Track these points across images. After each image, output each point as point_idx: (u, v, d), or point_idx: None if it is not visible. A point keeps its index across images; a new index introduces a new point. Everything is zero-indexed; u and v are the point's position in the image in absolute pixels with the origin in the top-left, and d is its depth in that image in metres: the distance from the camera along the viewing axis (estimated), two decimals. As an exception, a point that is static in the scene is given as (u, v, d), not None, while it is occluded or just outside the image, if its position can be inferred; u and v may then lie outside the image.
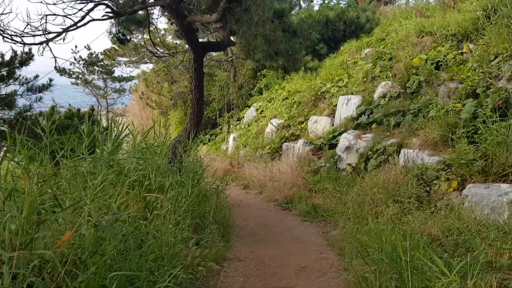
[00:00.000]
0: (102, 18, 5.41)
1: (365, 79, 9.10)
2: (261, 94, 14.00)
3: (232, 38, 6.89)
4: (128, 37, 7.51)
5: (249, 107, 13.74)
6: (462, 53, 7.89)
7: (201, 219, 4.35)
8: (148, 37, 11.35)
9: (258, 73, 14.71)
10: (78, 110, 8.23)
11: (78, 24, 5.24)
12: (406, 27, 9.83)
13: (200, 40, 6.37)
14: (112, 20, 7.23)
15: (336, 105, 9.09)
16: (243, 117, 13.81)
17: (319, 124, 9.21)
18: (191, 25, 5.63)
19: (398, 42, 9.28)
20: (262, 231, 5.50)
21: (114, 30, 7.38)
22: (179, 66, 14.73)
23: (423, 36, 8.98)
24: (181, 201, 3.82)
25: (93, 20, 5.33)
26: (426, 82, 7.60)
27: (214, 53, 17.41)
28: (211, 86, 15.81)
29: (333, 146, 8.26)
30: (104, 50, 15.74)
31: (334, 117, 9.05)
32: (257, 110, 12.80)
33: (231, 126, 14.44)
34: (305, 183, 7.37)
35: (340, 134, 8.24)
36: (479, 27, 7.82)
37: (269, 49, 5.03)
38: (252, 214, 6.49)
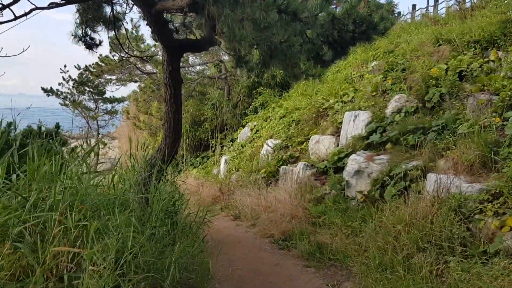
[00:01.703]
0: (48, 6, 4.24)
1: (374, 93, 7.93)
2: (257, 113, 12.85)
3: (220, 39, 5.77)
4: (98, 41, 6.34)
5: (244, 127, 12.55)
6: (488, 61, 6.76)
7: (162, 274, 3.05)
8: (132, 51, 10.17)
9: (254, 91, 13.60)
10: (39, 127, 7.00)
11: (15, 12, 4.06)
12: (419, 37, 8.74)
13: (176, 38, 5.19)
14: (77, 20, 6.11)
15: (341, 123, 7.89)
16: (237, 138, 12.61)
17: (321, 145, 7.98)
18: (162, 15, 4.46)
19: (411, 51, 8.17)
20: (252, 283, 4.18)
21: (80, 32, 6.25)
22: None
23: (440, 45, 7.88)
24: (129, 251, 2.54)
25: (36, 8, 4.16)
26: (449, 95, 6.43)
27: (208, 72, 16.37)
28: (203, 104, 14.68)
29: (339, 169, 7.01)
30: (86, 66, 14.62)
31: (339, 136, 7.83)
32: (251, 130, 11.60)
33: (224, 147, 13.21)
34: (306, 215, 6.09)
35: (347, 155, 7.00)
36: (508, 32, 6.72)
37: (261, 40, 3.84)
38: (241, 255, 5.17)
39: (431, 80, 6.86)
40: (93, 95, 22.43)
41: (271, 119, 10.93)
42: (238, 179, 9.38)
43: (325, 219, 5.82)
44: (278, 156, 8.68)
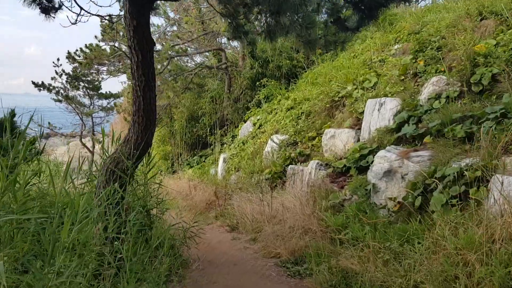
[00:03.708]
0: None
1: (403, 77, 6.54)
2: (260, 107, 11.45)
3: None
4: (57, 4, 4.97)
5: (245, 121, 11.15)
6: (551, 34, 5.38)
7: None
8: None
9: (257, 83, 12.20)
10: (-13, 115, 5.69)
11: None
12: (451, 14, 7.34)
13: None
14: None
15: (362, 113, 6.50)
16: (238, 134, 11.22)
17: (338, 139, 6.60)
18: None
19: (446, 28, 6.76)
20: None
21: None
22: (161, 73, 12.24)
23: (482, 19, 6.48)
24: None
25: None
26: (507, 74, 5.03)
27: (207, 62, 14.99)
28: (201, 98, 13.30)
29: (362, 169, 5.62)
30: (68, 52, 13.20)
31: (360, 129, 6.44)
32: (254, 124, 10.21)
33: (225, 145, 11.82)
34: (323, 228, 4.70)
35: (372, 152, 5.62)
36: None
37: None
38: (236, 285, 3.79)
39: (478, 58, 5.46)
40: (88, 91, 21.00)
41: (276, 112, 9.54)
42: (238, 180, 8.01)
43: (349, 234, 4.42)
44: (285, 154, 7.30)
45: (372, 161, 5.39)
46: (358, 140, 6.32)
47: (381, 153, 5.19)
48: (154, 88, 3.68)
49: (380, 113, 6.04)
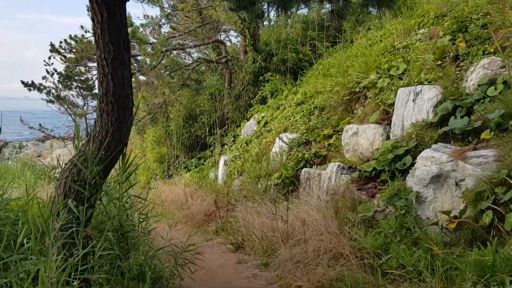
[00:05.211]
0: None
1: (439, 62, 5.46)
2: (265, 104, 10.36)
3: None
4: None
5: (248, 120, 10.06)
6: None
7: None
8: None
9: (261, 77, 11.12)
10: None
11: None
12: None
13: None
14: None
15: (391, 105, 5.42)
16: (240, 134, 10.12)
17: (362, 137, 5.51)
18: None
19: (489, 3, 5.68)
20: None
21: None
22: (157, 68, 11.16)
23: (533, -9, 5.41)
24: None
25: None
26: None
27: (206, 57, 13.90)
28: (199, 95, 12.21)
29: (398, 173, 4.53)
30: (51, 44, 12.03)
31: (389, 124, 5.36)
32: (258, 122, 9.12)
33: (225, 146, 10.73)
34: (356, 251, 3.60)
35: (409, 152, 4.55)
36: None
37: None
38: None
39: (541, 34, 4.40)
40: (81, 90, 19.86)
41: (284, 108, 8.45)
42: (242, 186, 6.91)
43: (392, 260, 3.34)
44: (297, 155, 6.21)
45: (412, 163, 4.32)
46: (388, 138, 5.23)
47: (426, 153, 4.10)
48: (129, 62, 2.60)
49: (416, 104, 4.96)
